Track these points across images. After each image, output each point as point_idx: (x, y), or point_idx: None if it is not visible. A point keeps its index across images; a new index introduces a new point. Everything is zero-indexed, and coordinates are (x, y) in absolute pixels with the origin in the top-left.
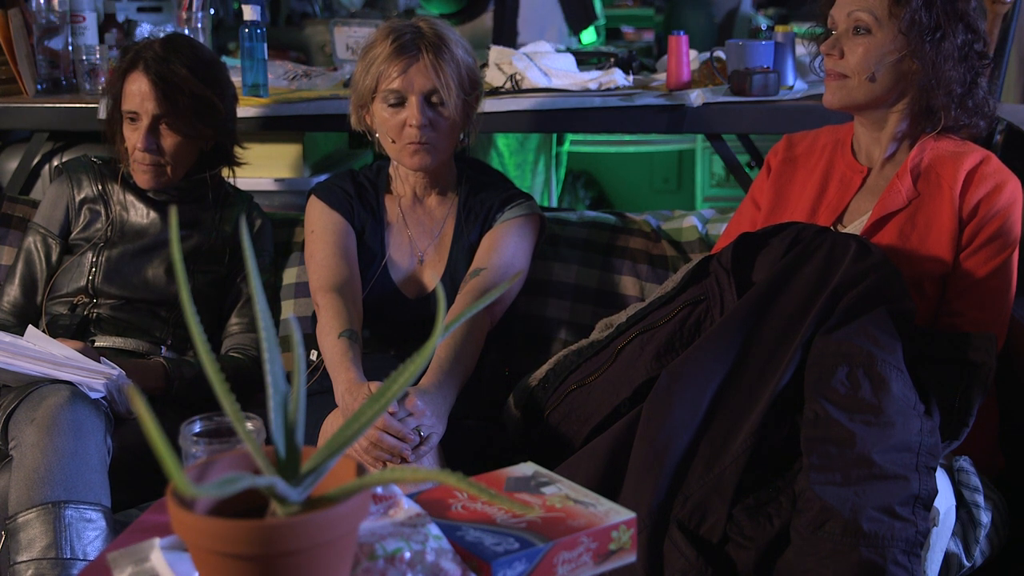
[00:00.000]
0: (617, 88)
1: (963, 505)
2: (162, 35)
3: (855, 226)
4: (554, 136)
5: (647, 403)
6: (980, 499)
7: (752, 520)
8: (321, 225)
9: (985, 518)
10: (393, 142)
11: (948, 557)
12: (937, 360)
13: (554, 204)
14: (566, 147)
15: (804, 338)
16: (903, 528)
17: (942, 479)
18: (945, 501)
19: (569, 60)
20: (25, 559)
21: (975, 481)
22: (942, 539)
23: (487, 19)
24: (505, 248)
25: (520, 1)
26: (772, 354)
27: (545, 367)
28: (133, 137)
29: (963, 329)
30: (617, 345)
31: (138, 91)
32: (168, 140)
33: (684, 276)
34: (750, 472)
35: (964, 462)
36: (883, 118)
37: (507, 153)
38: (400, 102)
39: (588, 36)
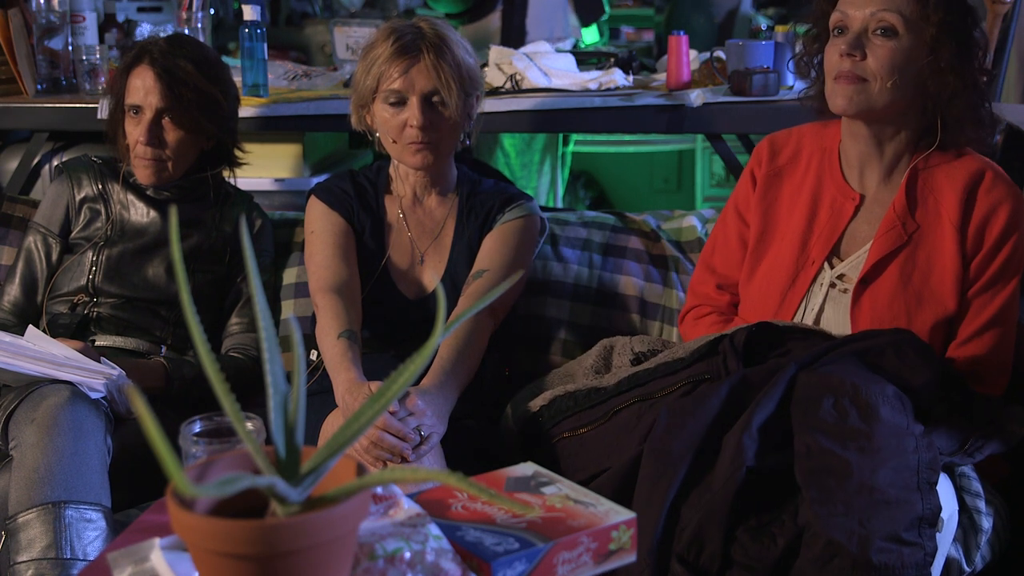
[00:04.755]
0: (617, 88)
1: (964, 510)
2: (163, 35)
3: (854, 262)
4: (560, 137)
5: (648, 443)
6: (981, 504)
7: (756, 541)
8: (321, 226)
9: (986, 523)
10: (394, 142)
11: (949, 562)
12: (963, 408)
13: (560, 204)
14: (571, 147)
15: (788, 373)
16: (912, 553)
17: (944, 484)
18: (948, 507)
19: (569, 60)
20: (25, 559)
21: (977, 487)
22: (943, 545)
23: (494, 19)
24: (507, 250)
25: (529, 0)
26: (761, 385)
27: (540, 400)
28: (135, 132)
29: (971, 366)
30: (614, 406)
31: (142, 84)
32: (171, 135)
33: (694, 352)
34: (750, 497)
35: (966, 467)
36: (889, 130)
37: (513, 153)
38: (401, 102)
39: (591, 36)
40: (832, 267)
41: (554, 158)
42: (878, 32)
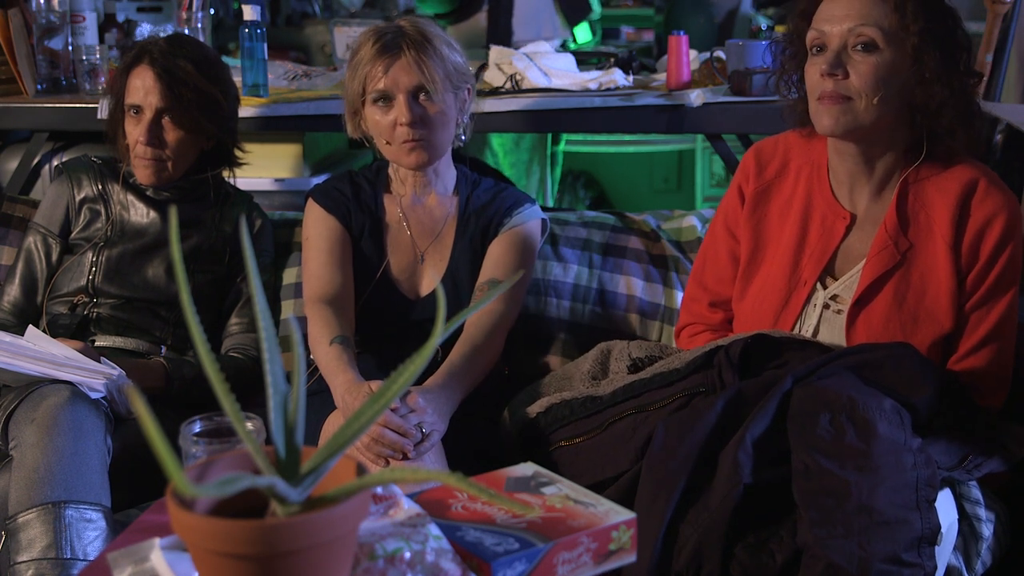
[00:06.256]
0: (617, 88)
1: (964, 518)
2: (163, 35)
3: (847, 282)
4: (549, 136)
5: (646, 461)
6: (981, 512)
7: (754, 559)
8: (316, 232)
9: (986, 531)
10: (388, 144)
11: (949, 570)
12: (964, 424)
13: (550, 204)
14: (561, 146)
15: (783, 387)
16: (912, 574)
17: (944, 492)
18: (947, 517)
19: (569, 60)
20: (25, 559)
21: (976, 494)
22: (943, 554)
23: (481, 19)
24: (515, 257)
25: (515, 1)
26: (757, 399)
27: (537, 407)
28: (135, 132)
29: (970, 380)
30: (609, 416)
31: (142, 84)
32: (171, 135)
33: (690, 363)
34: (749, 515)
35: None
36: (878, 149)
37: (501, 153)
38: (388, 102)
39: (583, 34)
40: (825, 287)
41: (542, 157)
42: (858, 48)
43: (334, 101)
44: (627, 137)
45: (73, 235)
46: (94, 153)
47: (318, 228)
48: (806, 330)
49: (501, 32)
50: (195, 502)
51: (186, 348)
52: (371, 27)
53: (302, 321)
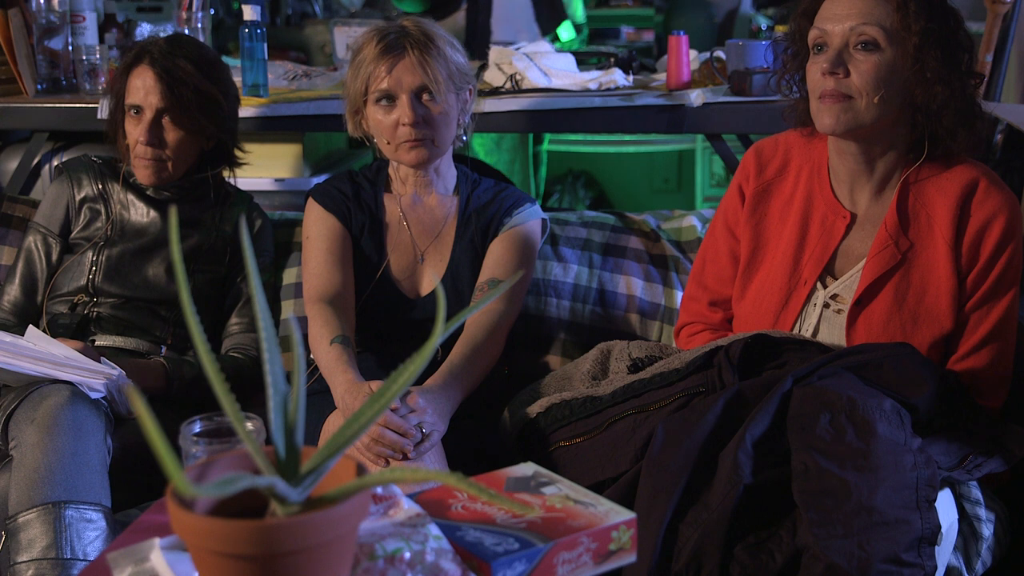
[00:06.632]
0: (617, 88)
1: (964, 518)
2: (163, 35)
3: (847, 282)
4: (531, 136)
5: (646, 460)
6: (981, 512)
7: (754, 559)
8: (316, 231)
9: (987, 531)
10: (389, 143)
11: (949, 570)
12: (966, 425)
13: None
14: (544, 146)
15: (783, 387)
16: (912, 574)
17: (944, 492)
18: (947, 517)
19: (569, 60)
20: (25, 559)
21: (976, 494)
22: (944, 555)
23: (459, 18)
24: (516, 257)
25: (493, 0)
26: (757, 400)
27: (536, 407)
28: (135, 132)
29: (970, 380)
30: (609, 416)
31: (142, 84)
32: (171, 135)
33: (690, 363)
34: (748, 515)
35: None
36: (878, 148)
37: (482, 153)
38: (391, 102)
39: (567, 33)
40: (825, 287)
41: (525, 158)
42: (859, 47)
43: (334, 101)
44: (627, 137)
45: (73, 235)
46: (94, 153)
47: (318, 228)
48: (806, 330)
49: (480, 31)
50: (195, 502)
51: (186, 348)
52: (374, 26)
53: (302, 321)
